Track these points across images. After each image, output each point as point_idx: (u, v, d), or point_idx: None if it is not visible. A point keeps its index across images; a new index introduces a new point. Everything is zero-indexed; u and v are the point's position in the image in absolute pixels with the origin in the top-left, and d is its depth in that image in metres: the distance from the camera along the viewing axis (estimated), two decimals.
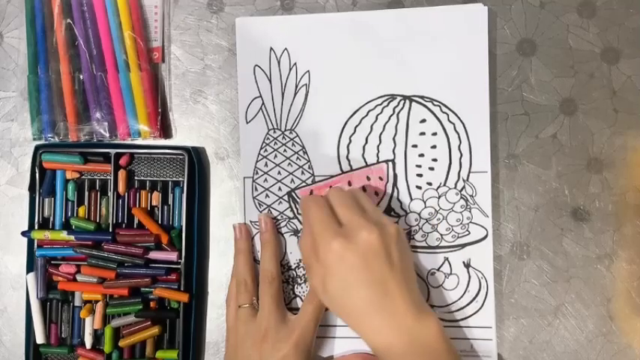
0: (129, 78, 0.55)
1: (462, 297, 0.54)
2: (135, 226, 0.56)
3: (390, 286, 0.46)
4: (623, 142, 0.54)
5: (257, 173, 0.56)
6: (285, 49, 0.56)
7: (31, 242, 0.56)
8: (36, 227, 0.56)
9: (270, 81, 0.56)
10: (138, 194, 0.56)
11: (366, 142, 0.55)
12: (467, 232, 0.54)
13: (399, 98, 0.55)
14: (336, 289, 0.47)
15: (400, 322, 0.46)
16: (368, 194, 0.55)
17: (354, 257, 0.46)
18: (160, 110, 0.56)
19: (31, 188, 0.56)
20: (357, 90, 0.55)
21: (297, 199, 0.55)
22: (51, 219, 0.56)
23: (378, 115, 0.55)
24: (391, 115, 0.55)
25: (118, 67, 0.55)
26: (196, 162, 0.55)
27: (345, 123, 0.55)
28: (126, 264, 0.55)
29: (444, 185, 0.54)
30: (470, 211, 0.54)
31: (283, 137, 0.56)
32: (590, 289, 0.54)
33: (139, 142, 0.57)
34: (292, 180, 0.55)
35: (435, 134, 0.54)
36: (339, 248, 0.46)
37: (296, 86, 0.55)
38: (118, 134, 0.56)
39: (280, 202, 0.56)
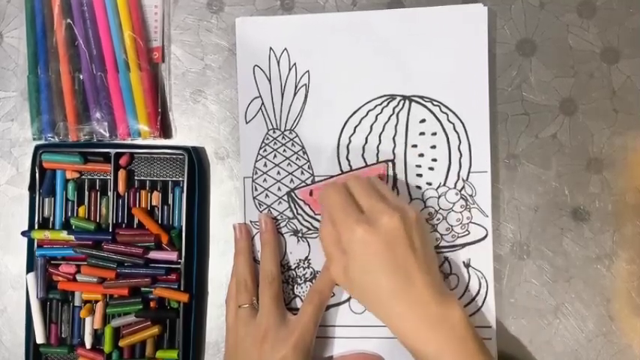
0: (129, 78, 0.55)
1: (461, 297, 0.54)
2: (135, 226, 0.56)
3: (413, 272, 0.46)
4: (623, 142, 0.54)
5: (257, 173, 0.56)
6: (285, 49, 0.56)
7: (31, 242, 0.56)
8: (36, 227, 0.56)
9: (269, 81, 0.56)
10: (138, 194, 0.56)
11: (366, 142, 0.55)
12: (467, 232, 0.54)
13: (398, 98, 0.55)
14: (358, 276, 0.48)
15: (423, 308, 0.46)
16: None
17: (377, 243, 0.46)
18: (159, 110, 0.56)
19: (31, 188, 0.56)
20: (356, 90, 0.55)
21: (297, 199, 0.55)
22: (51, 219, 0.56)
23: (378, 115, 0.55)
24: (391, 115, 0.55)
25: (117, 67, 0.55)
26: (196, 162, 0.55)
27: (345, 123, 0.55)
28: (126, 264, 0.55)
29: (444, 185, 0.54)
30: (470, 211, 0.54)
31: (283, 137, 0.56)
32: (590, 289, 0.54)
33: (139, 142, 0.57)
34: (292, 180, 0.56)
35: (434, 134, 0.54)
36: (362, 234, 0.47)
37: (296, 86, 0.55)
38: (117, 134, 0.56)
39: (280, 202, 0.56)
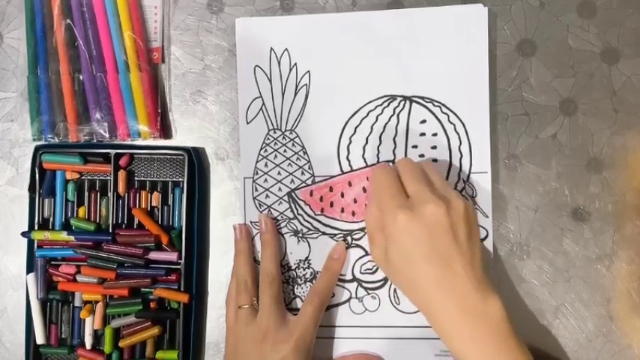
0: (129, 78, 0.55)
1: None
2: (135, 226, 0.56)
3: (455, 263, 0.46)
4: (623, 142, 0.54)
5: (257, 173, 0.56)
6: (286, 49, 0.56)
7: (31, 243, 0.56)
8: (36, 228, 0.56)
9: (270, 81, 0.56)
10: (138, 195, 0.56)
11: (367, 142, 0.55)
12: None
13: (399, 99, 0.55)
14: (399, 261, 0.47)
15: (464, 300, 0.45)
16: (368, 195, 0.54)
17: (419, 230, 0.46)
18: (159, 111, 0.56)
19: (31, 189, 0.56)
20: (357, 90, 0.55)
21: (298, 200, 0.55)
22: (51, 219, 0.56)
23: (379, 115, 0.55)
24: (391, 116, 0.55)
25: (117, 67, 0.55)
26: (196, 162, 0.55)
27: (346, 123, 0.55)
28: (126, 264, 0.55)
29: None
30: None
31: (283, 137, 0.56)
32: (590, 289, 0.54)
33: (139, 142, 0.57)
34: (292, 180, 0.56)
35: (435, 135, 0.54)
36: (404, 219, 0.46)
37: (296, 86, 0.55)
38: (117, 135, 0.56)
39: (280, 202, 0.56)
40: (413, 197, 0.48)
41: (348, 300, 0.55)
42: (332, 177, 0.55)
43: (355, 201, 0.55)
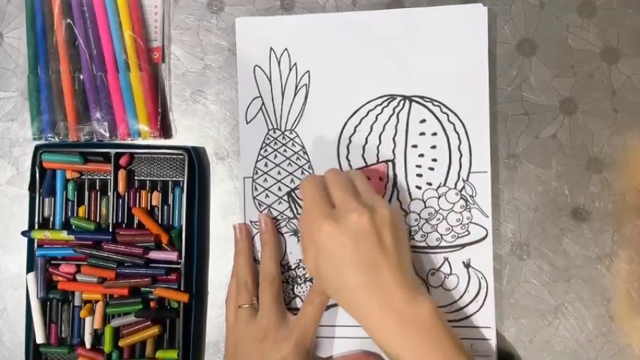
0: (129, 78, 0.55)
1: (461, 297, 0.54)
2: (135, 226, 0.56)
3: (382, 268, 0.46)
4: (623, 142, 0.54)
5: (257, 173, 0.56)
6: (285, 49, 0.56)
7: (31, 242, 0.56)
8: (36, 227, 0.56)
9: (270, 81, 0.56)
10: (138, 194, 0.56)
11: (366, 142, 0.55)
12: (467, 232, 0.54)
13: (398, 98, 0.55)
14: (327, 270, 0.47)
15: (391, 303, 0.45)
16: None
17: (344, 239, 0.46)
18: (159, 110, 0.56)
19: (31, 188, 0.56)
20: (356, 90, 0.55)
21: (297, 199, 0.55)
22: (51, 219, 0.56)
23: (378, 115, 0.55)
24: (391, 116, 0.55)
25: (118, 67, 0.55)
26: (196, 162, 0.55)
27: (345, 123, 0.55)
28: (126, 264, 0.55)
29: (444, 185, 0.54)
30: (470, 211, 0.54)
31: (283, 137, 0.56)
32: (590, 289, 0.54)
33: (139, 142, 0.57)
34: (292, 180, 0.56)
35: (434, 134, 0.54)
36: (329, 230, 0.46)
37: (296, 86, 0.55)
38: (118, 134, 0.56)
39: (280, 202, 0.56)
40: (338, 207, 0.48)
41: None
42: None
43: None
